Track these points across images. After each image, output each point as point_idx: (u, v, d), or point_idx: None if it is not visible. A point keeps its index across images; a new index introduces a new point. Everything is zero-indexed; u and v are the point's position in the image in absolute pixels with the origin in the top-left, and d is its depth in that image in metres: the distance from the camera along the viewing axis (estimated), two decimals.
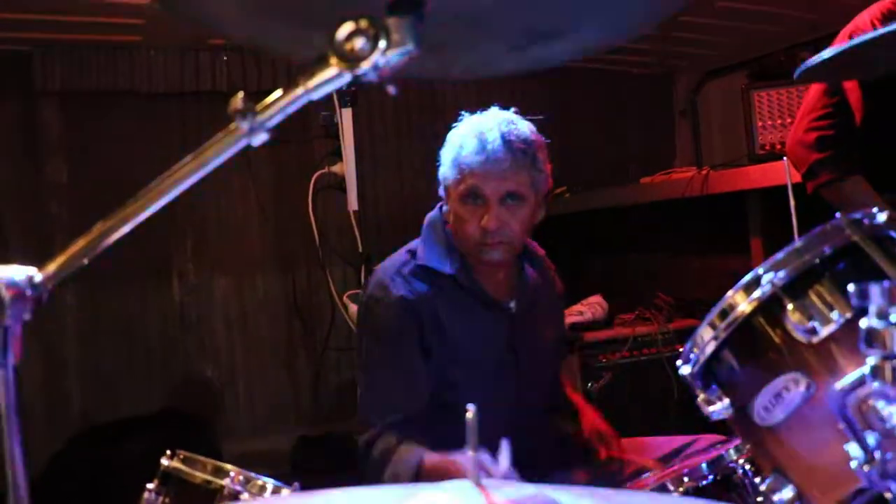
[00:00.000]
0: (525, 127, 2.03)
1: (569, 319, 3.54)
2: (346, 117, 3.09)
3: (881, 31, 1.31)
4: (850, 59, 1.48)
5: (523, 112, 2.09)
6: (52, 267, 0.86)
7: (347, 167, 3.14)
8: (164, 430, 3.69)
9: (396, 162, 4.42)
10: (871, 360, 0.79)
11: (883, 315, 0.79)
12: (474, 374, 2.03)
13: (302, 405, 4.31)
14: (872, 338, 0.79)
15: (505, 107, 2.07)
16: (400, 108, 4.49)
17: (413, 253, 2.09)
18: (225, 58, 4.03)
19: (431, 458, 1.86)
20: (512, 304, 2.11)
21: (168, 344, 4.11)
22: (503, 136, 1.96)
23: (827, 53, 1.43)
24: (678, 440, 2.09)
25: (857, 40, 1.38)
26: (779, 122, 3.39)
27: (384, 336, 2.04)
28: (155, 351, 4.08)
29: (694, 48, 4.70)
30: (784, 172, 2.81)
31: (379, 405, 2.01)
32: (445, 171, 2.04)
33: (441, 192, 2.09)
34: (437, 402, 2.01)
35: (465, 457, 1.73)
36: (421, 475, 1.85)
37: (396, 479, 1.88)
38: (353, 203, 3.16)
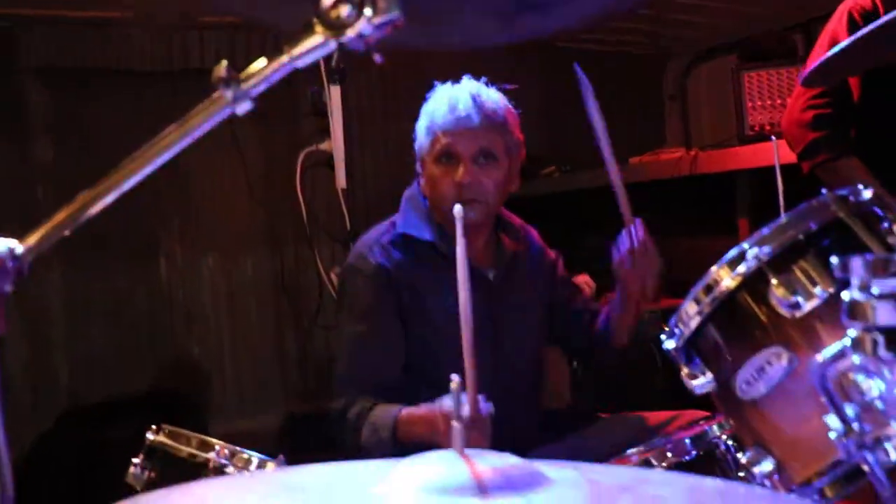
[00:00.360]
0: (494, 93, 2.10)
1: None
2: (334, 94, 3.08)
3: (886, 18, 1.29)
4: (856, 51, 1.47)
5: (514, 91, 2.13)
6: (33, 238, 0.86)
7: (336, 144, 3.12)
8: (151, 410, 3.68)
9: (385, 139, 4.39)
10: (853, 333, 0.79)
11: (865, 288, 0.79)
12: (452, 343, 2.04)
13: (290, 383, 4.31)
14: (854, 310, 0.79)
15: (489, 83, 2.11)
16: (388, 85, 4.46)
17: (394, 224, 2.13)
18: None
19: (409, 409, 1.88)
20: (491, 275, 2.13)
21: (155, 324, 4.09)
22: (473, 98, 2.03)
23: (834, 51, 1.42)
24: (662, 415, 2.10)
25: (858, 35, 1.36)
26: (768, 102, 3.39)
27: (361, 305, 2.06)
28: (142, 331, 4.06)
29: (684, 30, 4.69)
30: (773, 153, 2.81)
31: (354, 373, 2.03)
32: (420, 139, 2.11)
33: (417, 166, 2.12)
34: (415, 372, 2.03)
35: (443, 404, 1.75)
36: (400, 427, 1.87)
37: (375, 435, 1.90)
38: (341, 181, 3.15)
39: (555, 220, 3.41)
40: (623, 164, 4.03)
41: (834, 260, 0.82)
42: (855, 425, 0.88)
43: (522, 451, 2.05)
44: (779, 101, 3.36)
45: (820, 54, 1.95)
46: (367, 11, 0.79)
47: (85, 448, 3.42)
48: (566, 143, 4.33)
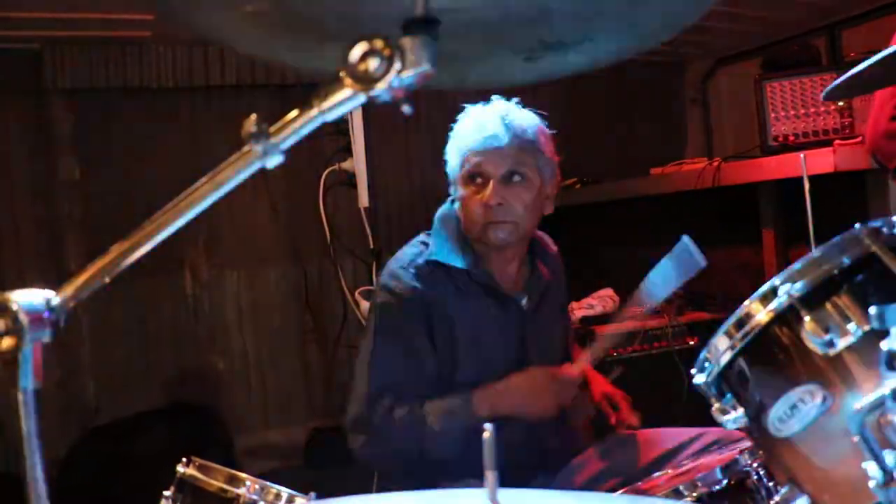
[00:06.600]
0: (526, 114, 2.08)
1: (579, 313, 3.53)
2: (356, 113, 3.08)
3: None
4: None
5: (531, 101, 2.11)
6: (69, 289, 0.86)
7: (358, 163, 3.13)
8: (176, 424, 3.70)
9: (406, 157, 4.40)
10: (893, 383, 0.78)
11: None
12: (484, 370, 2.03)
13: (314, 399, 4.32)
14: (894, 360, 0.78)
15: (508, 99, 2.09)
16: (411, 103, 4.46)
17: (426, 245, 2.10)
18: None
19: (476, 392, 1.96)
20: (524, 301, 2.12)
21: (180, 339, 4.11)
22: (501, 118, 2.02)
23: (857, 68, 1.38)
24: (686, 433, 2.08)
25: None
26: (792, 112, 3.35)
27: (397, 326, 2.03)
28: (167, 346, 4.08)
29: (704, 35, 4.66)
30: (799, 165, 2.79)
31: (390, 386, 1.99)
32: (450, 161, 2.09)
33: (451, 189, 2.11)
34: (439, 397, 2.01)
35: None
36: (480, 403, 1.93)
37: (451, 420, 1.93)
38: (363, 199, 3.16)
39: (575, 232, 3.40)
40: (645, 175, 4.03)
41: (872, 310, 0.81)
42: None
43: (552, 472, 2.06)
44: (802, 111, 3.32)
45: None
46: (397, 65, 0.79)
47: (111, 463, 3.45)
48: (588, 154, 4.33)
